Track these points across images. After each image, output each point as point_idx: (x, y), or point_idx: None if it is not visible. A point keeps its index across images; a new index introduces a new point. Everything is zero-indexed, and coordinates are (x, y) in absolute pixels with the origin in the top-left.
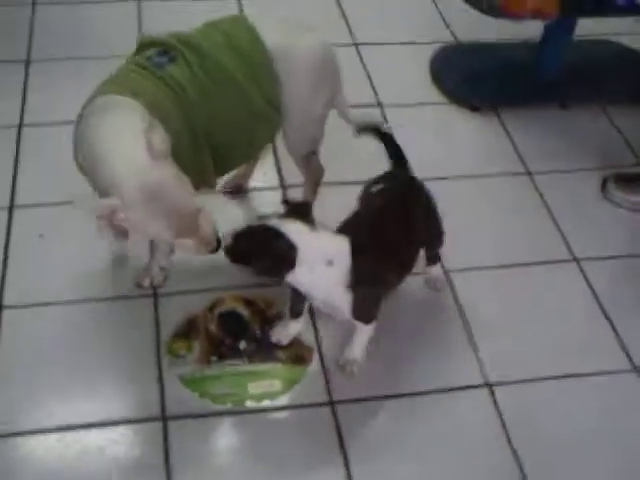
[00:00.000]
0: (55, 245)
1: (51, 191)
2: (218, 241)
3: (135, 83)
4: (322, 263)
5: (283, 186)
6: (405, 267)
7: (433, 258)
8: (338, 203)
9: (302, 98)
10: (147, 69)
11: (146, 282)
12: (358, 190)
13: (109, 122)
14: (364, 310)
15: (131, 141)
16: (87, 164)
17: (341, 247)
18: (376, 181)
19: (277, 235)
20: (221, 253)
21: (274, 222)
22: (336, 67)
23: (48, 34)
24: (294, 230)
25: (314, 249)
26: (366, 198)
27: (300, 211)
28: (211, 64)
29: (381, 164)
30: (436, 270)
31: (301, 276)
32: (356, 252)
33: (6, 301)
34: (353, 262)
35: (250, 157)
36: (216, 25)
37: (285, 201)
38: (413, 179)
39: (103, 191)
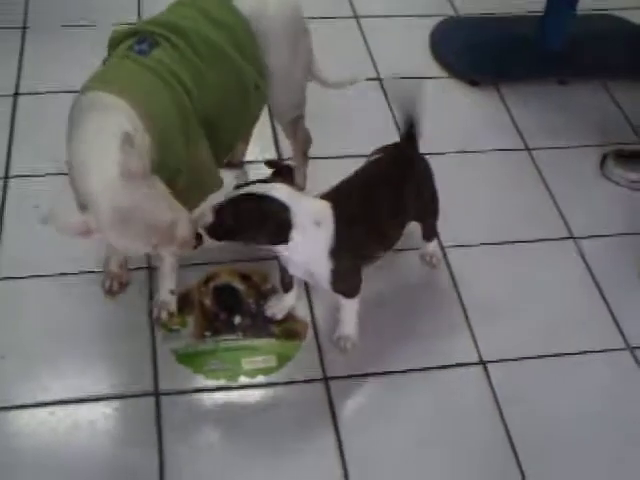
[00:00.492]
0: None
1: (47, 161)
2: (198, 237)
3: (121, 77)
4: (312, 224)
5: (280, 158)
6: (388, 240)
7: (429, 234)
8: (335, 177)
9: (283, 60)
10: (131, 59)
11: (163, 315)
12: (356, 164)
13: (89, 129)
14: (343, 280)
15: (107, 156)
16: (68, 168)
17: (325, 210)
18: (377, 151)
19: (270, 200)
20: None
21: (260, 188)
22: (306, 26)
23: (45, 0)
24: (283, 193)
25: (304, 210)
26: (361, 167)
27: (283, 174)
28: (197, 41)
29: (380, 139)
30: (433, 246)
31: (291, 240)
32: (340, 218)
33: (0, 272)
34: (336, 228)
35: (248, 133)
36: (185, 3)
37: (268, 162)
38: (412, 153)
39: (80, 201)
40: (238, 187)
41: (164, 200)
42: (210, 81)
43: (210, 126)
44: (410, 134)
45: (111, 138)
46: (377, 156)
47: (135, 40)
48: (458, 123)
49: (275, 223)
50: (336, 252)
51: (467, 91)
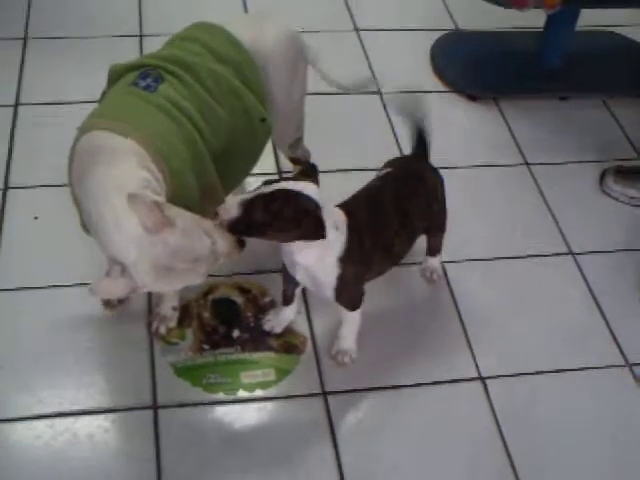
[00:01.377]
0: (49, 228)
1: (46, 172)
2: (241, 243)
3: (127, 115)
4: (332, 228)
5: (279, 172)
6: (395, 254)
7: (435, 248)
8: (336, 191)
9: (283, 87)
10: (136, 95)
11: (162, 329)
12: (359, 177)
13: (102, 180)
14: (346, 290)
15: (125, 212)
16: (85, 217)
17: (342, 216)
18: (387, 164)
19: (307, 198)
20: None
21: (293, 185)
22: (303, 45)
23: (46, 12)
24: (314, 191)
25: (328, 211)
26: (372, 181)
27: (309, 174)
28: (204, 76)
29: (380, 152)
30: (436, 262)
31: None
32: (352, 227)
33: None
34: (349, 236)
35: (254, 165)
36: (186, 37)
37: (292, 159)
38: (423, 166)
39: (108, 254)
40: (267, 183)
41: (195, 229)
42: (219, 116)
43: (220, 162)
44: (421, 147)
45: (126, 189)
46: (387, 170)
47: (139, 75)
48: (457, 138)
49: (314, 221)
50: (345, 260)
51: (466, 106)
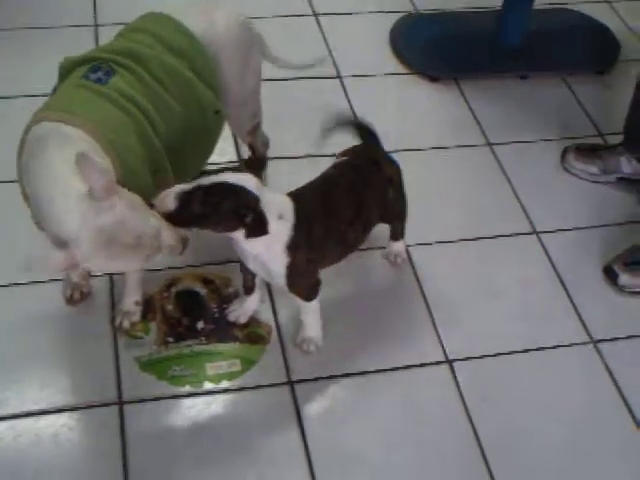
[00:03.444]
0: (2, 225)
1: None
2: (184, 241)
3: (78, 107)
4: (274, 217)
5: (240, 159)
6: (349, 243)
7: (397, 234)
8: (295, 177)
9: (236, 75)
10: (87, 88)
11: (125, 324)
12: (316, 163)
13: (49, 161)
14: (298, 278)
15: (72, 184)
16: (32, 203)
17: (287, 204)
18: (343, 153)
19: (245, 191)
20: None
21: (230, 177)
22: (254, 32)
23: (12, 2)
24: (252, 184)
25: (270, 201)
26: (327, 169)
27: (254, 166)
28: (156, 68)
29: (341, 137)
30: (399, 246)
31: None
32: (300, 215)
33: None
34: (296, 223)
35: (208, 158)
36: (136, 28)
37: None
38: (378, 154)
39: (53, 235)
40: (204, 173)
41: (143, 207)
42: (172, 108)
43: (174, 153)
44: (372, 137)
45: (73, 165)
46: (343, 158)
47: (89, 68)
48: (419, 120)
49: (255, 216)
50: (293, 248)
51: (427, 87)
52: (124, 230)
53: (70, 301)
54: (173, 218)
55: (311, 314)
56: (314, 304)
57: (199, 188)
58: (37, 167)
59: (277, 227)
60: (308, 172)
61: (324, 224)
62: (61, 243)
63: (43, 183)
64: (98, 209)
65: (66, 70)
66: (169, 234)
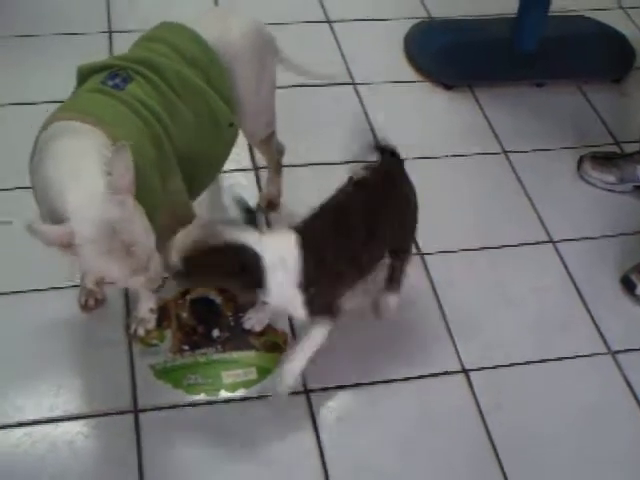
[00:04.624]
0: (24, 231)
1: (12, 175)
2: (164, 279)
3: (94, 108)
4: (278, 263)
5: (255, 167)
6: (366, 266)
7: (394, 280)
8: (311, 184)
9: (251, 84)
10: (104, 92)
11: (140, 331)
12: (331, 170)
13: (67, 147)
14: (318, 310)
15: (90, 170)
16: (40, 192)
17: (291, 242)
18: (359, 170)
19: (243, 250)
20: None
21: (231, 236)
22: (270, 39)
23: (9, 10)
24: (252, 238)
25: (273, 253)
26: (340, 187)
27: (250, 218)
28: (172, 77)
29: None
30: (393, 300)
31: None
32: (309, 247)
33: None
34: (306, 260)
35: (220, 169)
36: (152, 37)
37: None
38: (398, 173)
39: (57, 217)
40: (205, 226)
41: (146, 221)
42: (186, 118)
43: (186, 162)
44: (391, 152)
45: (94, 154)
46: (359, 176)
47: (107, 74)
48: (433, 127)
49: (252, 275)
50: (306, 284)
51: (442, 95)
52: (126, 230)
53: (85, 308)
54: (180, 280)
55: (311, 341)
56: (323, 332)
57: (198, 253)
58: (48, 154)
59: (283, 272)
60: (323, 180)
61: (336, 250)
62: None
63: (53, 163)
64: (111, 200)
65: (83, 76)
66: (157, 262)
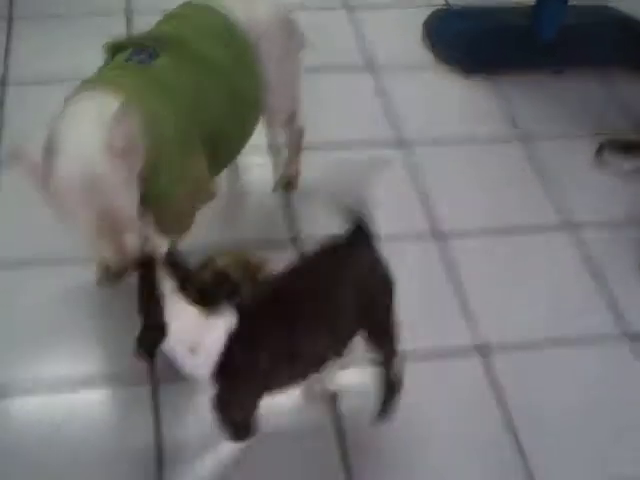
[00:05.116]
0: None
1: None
2: (140, 262)
3: (119, 80)
4: (186, 351)
5: (273, 148)
6: (308, 365)
7: (387, 356)
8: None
9: (276, 62)
10: (130, 67)
11: None
12: (346, 153)
13: (81, 107)
14: (227, 412)
15: (94, 127)
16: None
17: (201, 331)
18: (316, 251)
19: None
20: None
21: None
22: (294, 21)
23: None
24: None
25: (185, 330)
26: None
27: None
28: (197, 54)
29: (371, 127)
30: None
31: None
32: (240, 338)
33: None
34: (230, 348)
35: (243, 147)
36: (177, 15)
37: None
38: (361, 251)
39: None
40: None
41: (134, 197)
42: (210, 94)
43: (209, 139)
44: (362, 233)
45: (102, 115)
46: (314, 254)
47: (133, 51)
48: (451, 113)
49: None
50: (222, 377)
51: (460, 82)
52: (104, 190)
53: (105, 280)
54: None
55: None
56: (228, 450)
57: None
58: (61, 113)
59: (194, 360)
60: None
61: (273, 347)
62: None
63: (62, 118)
64: (101, 156)
65: (110, 54)
66: (134, 238)
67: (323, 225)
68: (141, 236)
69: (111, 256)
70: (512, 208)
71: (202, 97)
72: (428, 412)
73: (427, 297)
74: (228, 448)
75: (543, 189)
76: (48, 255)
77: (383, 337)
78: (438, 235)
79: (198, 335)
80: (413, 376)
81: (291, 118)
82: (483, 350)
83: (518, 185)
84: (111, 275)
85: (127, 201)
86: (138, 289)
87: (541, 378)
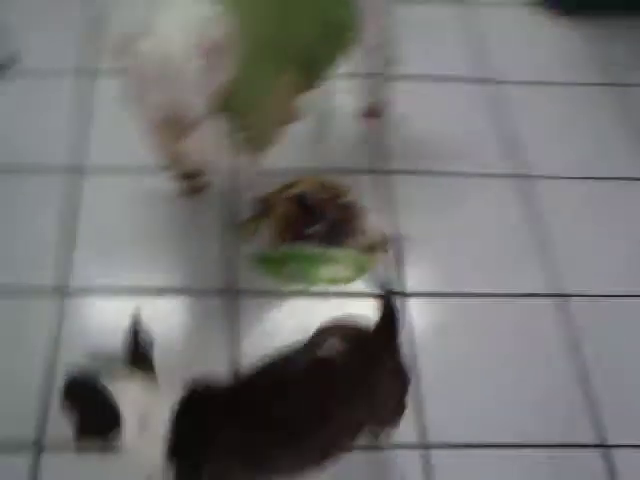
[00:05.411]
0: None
1: None
2: (194, 174)
3: None
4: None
5: (361, 75)
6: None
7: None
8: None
9: None
10: None
11: (239, 219)
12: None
13: (178, 8)
14: None
15: (187, 25)
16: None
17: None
18: (329, 329)
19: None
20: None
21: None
22: None
23: None
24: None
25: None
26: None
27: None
28: None
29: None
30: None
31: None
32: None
33: (88, 164)
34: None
35: (332, 71)
36: None
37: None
38: (385, 347)
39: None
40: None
41: (204, 102)
42: (302, 17)
43: (299, 60)
44: (389, 320)
45: (199, 16)
46: (326, 337)
47: None
48: (547, 54)
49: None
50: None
51: (556, 20)
52: (178, 80)
53: (186, 192)
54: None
55: None
56: None
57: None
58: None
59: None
60: (427, 96)
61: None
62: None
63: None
64: (185, 47)
65: None
66: (198, 143)
67: (401, 155)
68: (205, 149)
69: (169, 158)
70: (607, 153)
71: (292, 18)
72: (495, 348)
73: (504, 238)
74: None
75: (631, 138)
76: (138, 160)
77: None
78: (521, 177)
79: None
80: (487, 309)
81: (381, 46)
82: (561, 295)
83: (610, 129)
84: (194, 186)
85: (195, 102)
86: None
87: (618, 328)
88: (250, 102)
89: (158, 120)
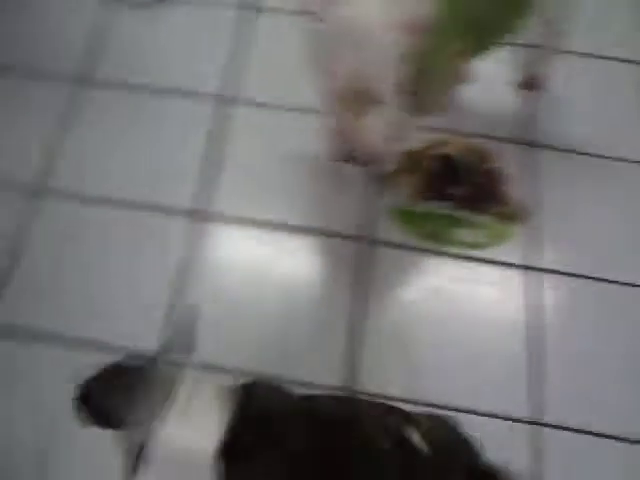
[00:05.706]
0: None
1: None
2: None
3: None
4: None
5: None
6: None
7: None
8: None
9: None
10: None
11: (384, 170)
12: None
13: None
14: None
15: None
16: None
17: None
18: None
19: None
20: None
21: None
22: None
23: None
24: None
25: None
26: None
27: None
28: None
29: None
30: None
31: None
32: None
33: (241, 96)
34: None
35: (503, 38)
36: None
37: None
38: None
39: None
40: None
41: (393, 77)
42: None
43: (472, 25)
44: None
45: None
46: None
47: None
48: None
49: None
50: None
51: None
52: (372, 51)
53: (334, 157)
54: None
55: None
56: None
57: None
58: None
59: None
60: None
61: None
62: None
63: None
64: (382, 23)
65: None
66: (372, 126)
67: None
68: (379, 133)
69: (339, 135)
70: None
71: None
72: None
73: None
74: None
75: None
76: (294, 102)
77: None
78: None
79: None
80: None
81: (552, 20)
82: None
83: None
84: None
85: (386, 75)
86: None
87: None
88: (430, 71)
89: (343, 89)
